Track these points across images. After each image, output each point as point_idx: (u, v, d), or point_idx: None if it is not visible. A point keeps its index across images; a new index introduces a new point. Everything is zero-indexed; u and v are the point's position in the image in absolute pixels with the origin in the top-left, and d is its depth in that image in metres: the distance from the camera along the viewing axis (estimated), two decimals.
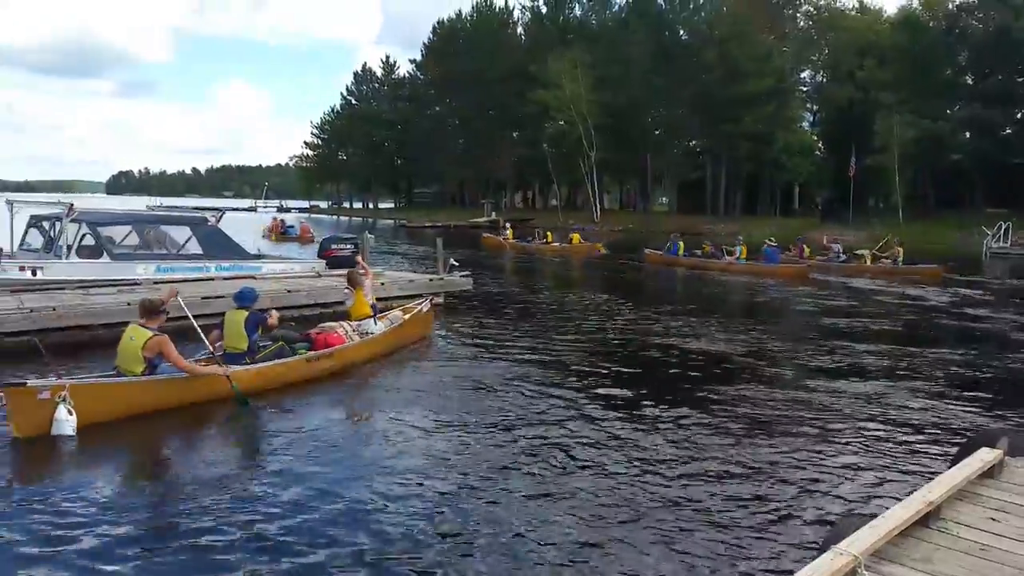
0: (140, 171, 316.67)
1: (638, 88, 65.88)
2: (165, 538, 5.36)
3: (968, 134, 51.48)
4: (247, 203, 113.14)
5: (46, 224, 15.70)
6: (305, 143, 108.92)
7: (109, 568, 4.90)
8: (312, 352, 10.11)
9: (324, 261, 19.11)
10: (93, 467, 6.85)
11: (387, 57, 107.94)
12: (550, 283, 23.76)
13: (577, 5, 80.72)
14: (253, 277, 16.25)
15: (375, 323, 11.66)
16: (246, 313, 9.24)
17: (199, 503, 5.91)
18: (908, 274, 25.56)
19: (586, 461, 7.03)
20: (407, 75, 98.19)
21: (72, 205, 15.34)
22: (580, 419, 8.34)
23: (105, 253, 15.29)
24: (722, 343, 13.31)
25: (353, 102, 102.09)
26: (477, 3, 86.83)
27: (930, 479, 5.26)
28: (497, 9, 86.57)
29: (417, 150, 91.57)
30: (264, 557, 5.10)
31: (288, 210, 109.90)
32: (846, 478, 6.72)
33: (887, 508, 4.56)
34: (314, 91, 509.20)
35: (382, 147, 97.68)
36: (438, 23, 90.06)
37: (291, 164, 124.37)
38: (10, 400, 7.24)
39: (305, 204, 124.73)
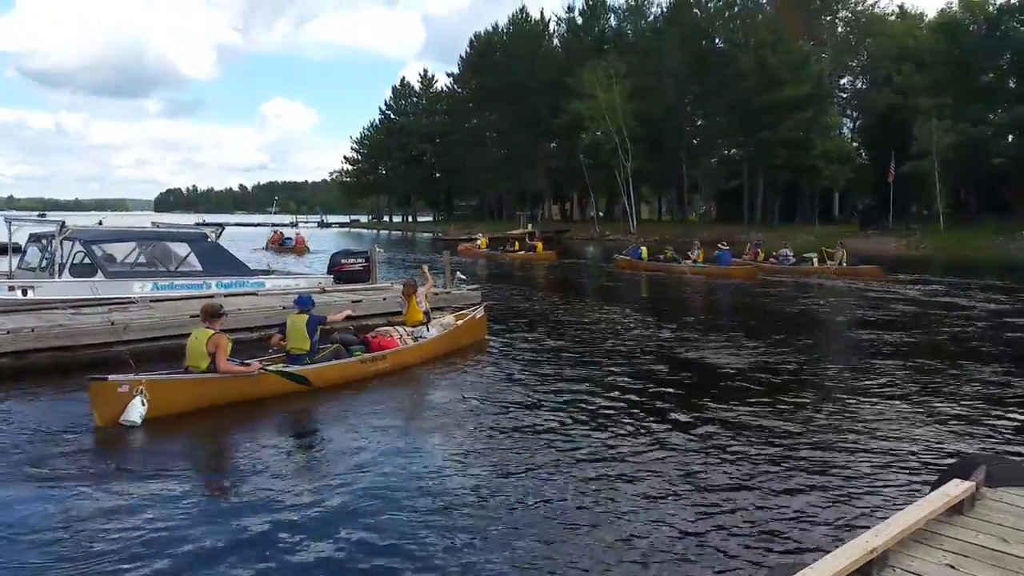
0: (188, 189, 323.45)
1: (673, 97, 65.13)
2: (222, 524, 5.77)
3: (1011, 137, 49.66)
4: (288, 219, 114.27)
5: (44, 242, 15.57)
6: (345, 158, 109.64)
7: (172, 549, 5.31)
8: (367, 354, 10.83)
9: (332, 276, 18.80)
10: (162, 457, 7.43)
11: (425, 71, 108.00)
12: (541, 291, 24.77)
13: (612, 16, 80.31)
14: (255, 293, 16.04)
15: (428, 329, 12.35)
16: (306, 317, 10.08)
17: (251, 492, 6.42)
18: (851, 274, 27.72)
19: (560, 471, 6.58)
20: (445, 88, 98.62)
21: (64, 223, 15.19)
22: (574, 423, 8.35)
23: (100, 271, 15.07)
24: (687, 346, 13.69)
25: (392, 116, 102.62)
26: (513, 16, 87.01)
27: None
28: (533, 21, 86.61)
29: (455, 163, 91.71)
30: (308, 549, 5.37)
31: (329, 225, 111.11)
32: (812, 515, 6.05)
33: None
34: (359, 107, 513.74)
35: (420, 160, 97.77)
36: (475, 36, 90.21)
37: (332, 179, 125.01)
38: (94, 392, 8.13)
39: (346, 219, 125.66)
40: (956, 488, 4.56)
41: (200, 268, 16.26)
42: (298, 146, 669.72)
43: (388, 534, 5.59)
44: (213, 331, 9.04)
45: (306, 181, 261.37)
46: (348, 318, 11.74)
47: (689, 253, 30.36)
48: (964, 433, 8.23)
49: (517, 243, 40.80)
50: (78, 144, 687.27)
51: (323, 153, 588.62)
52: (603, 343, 14.33)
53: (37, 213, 17.89)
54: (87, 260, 15.12)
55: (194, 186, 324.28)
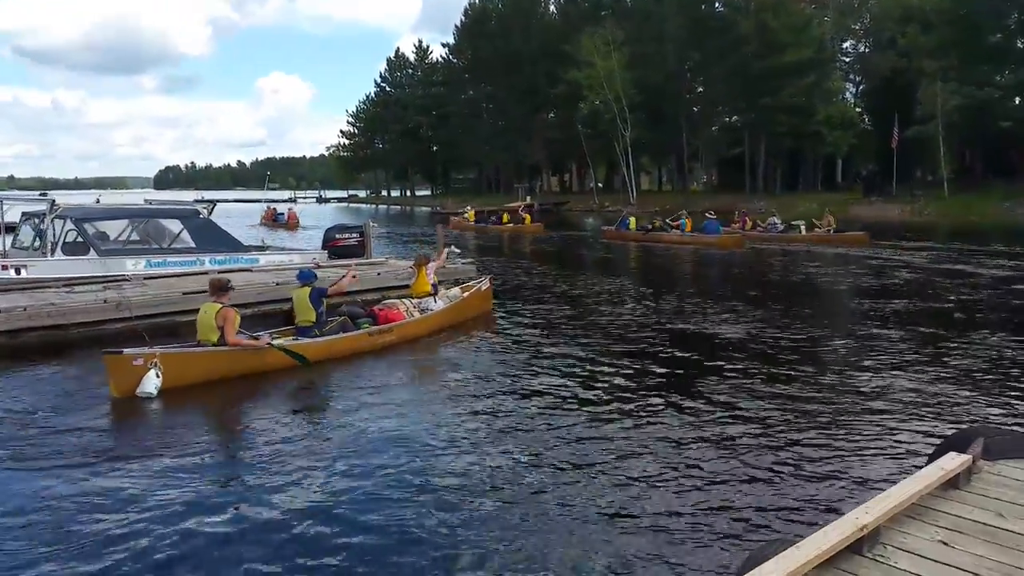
0: (187, 165, 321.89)
1: (673, 63, 64.46)
2: (237, 493, 5.95)
3: (1019, 100, 48.97)
4: (287, 194, 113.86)
5: (36, 221, 15.42)
6: (341, 132, 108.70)
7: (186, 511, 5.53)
8: (374, 327, 11.04)
9: (326, 252, 18.66)
10: (178, 427, 7.75)
11: (420, 42, 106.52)
12: (533, 263, 24.62)
13: None
14: (249, 270, 15.91)
15: (435, 301, 12.51)
16: (309, 289, 10.35)
17: (258, 467, 6.48)
18: (839, 241, 28.25)
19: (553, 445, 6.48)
20: (440, 59, 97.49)
21: (54, 201, 15.00)
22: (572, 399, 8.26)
23: (92, 249, 14.89)
24: (682, 316, 13.24)
25: (387, 89, 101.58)
26: None
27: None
28: None
29: (452, 135, 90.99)
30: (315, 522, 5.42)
31: (327, 200, 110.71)
32: (806, 490, 5.89)
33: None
34: (357, 80, 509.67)
35: (417, 133, 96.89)
36: (470, 4, 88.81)
37: (329, 154, 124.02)
38: (109, 365, 8.40)
39: (343, 194, 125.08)
40: (951, 461, 4.41)
41: (193, 245, 16.10)
42: (296, 121, 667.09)
43: (389, 510, 5.61)
44: (221, 305, 9.25)
45: (304, 156, 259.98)
46: (347, 290, 11.81)
47: (668, 221, 31.16)
48: (967, 404, 8.02)
49: (505, 215, 41.45)
50: (76, 122, 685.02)
51: (321, 128, 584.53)
52: (600, 314, 14.23)
53: (38, 192, 17.84)
54: (79, 238, 14.97)
55: (192, 163, 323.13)
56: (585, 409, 7.98)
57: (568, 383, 9.10)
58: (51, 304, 11.64)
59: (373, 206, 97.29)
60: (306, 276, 10.55)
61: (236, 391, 8.87)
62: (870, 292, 16.46)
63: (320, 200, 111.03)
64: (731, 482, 5.99)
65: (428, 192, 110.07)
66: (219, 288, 9.42)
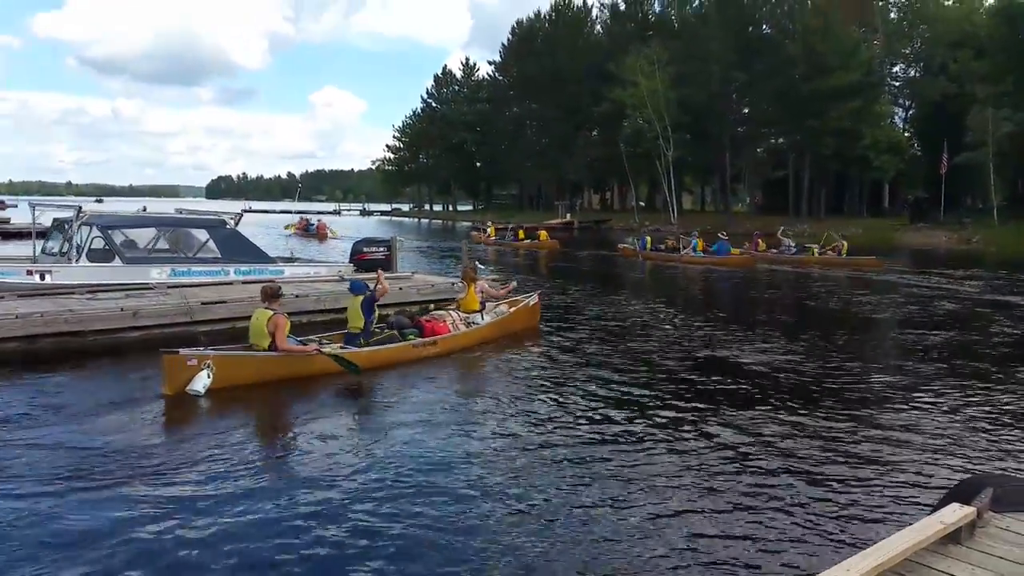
0: (238, 176, 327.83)
1: (718, 84, 63.84)
2: (281, 492, 6.11)
3: None
4: (332, 206, 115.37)
5: (65, 227, 15.56)
6: (387, 146, 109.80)
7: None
8: (419, 340, 11.36)
9: (353, 265, 18.58)
10: (229, 427, 7.95)
11: (467, 59, 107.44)
12: (554, 279, 24.57)
13: (656, 1, 78.92)
14: (272, 281, 15.87)
15: (482, 317, 12.84)
16: (361, 298, 10.80)
17: (298, 470, 6.71)
18: (850, 265, 28.78)
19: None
20: (487, 77, 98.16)
21: (81, 208, 15.12)
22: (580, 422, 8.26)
23: (117, 257, 14.99)
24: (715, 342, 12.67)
25: (433, 105, 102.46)
26: (556, 2, 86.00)
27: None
28: (575, 8, 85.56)
29: (495, 152, 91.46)
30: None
31: (370, 213, 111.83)
32: (802, 538, 5.47)
33: None
34: (406, 95, 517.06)
35: (461, 149, 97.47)
36: (517, 23, 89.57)
37: (374, 167, 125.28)
38: (166, 364, 8.82)
39: (387, 207, 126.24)
40: (953, 514, 4.04)
41: (219, 254, 16.12)
42: (346, 135, 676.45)
43: (422, 517, 5.69)
44: (273, 311, 9.53)
45: (352, 169, 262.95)
46: (383, 288, 11.63)
47: (669, 239, 33.35)
48: (994, 449, 7.49)
49: (521, 231, 43.47)
50: (133, 130, 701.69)
51: (370, 141, 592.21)
52: (633, 336, 13.91)
53: (94, 198, 18.29)
54: (105, 245, 15.06)
55: (244, 174, 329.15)
56: (608, 435, 7.80)
57: (598, 407, 8.94)
58: (68, 311, 11.62)
59: (415, 220, 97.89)
60: (358, 287, 10.96)
61: (281, 395, 9.18)
62: (903, 322, 15.91)
63: (363, 213, 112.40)
64: (720, 522, 5.66)
65: (470, 207, 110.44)
66: (271, 295, 9.72)
